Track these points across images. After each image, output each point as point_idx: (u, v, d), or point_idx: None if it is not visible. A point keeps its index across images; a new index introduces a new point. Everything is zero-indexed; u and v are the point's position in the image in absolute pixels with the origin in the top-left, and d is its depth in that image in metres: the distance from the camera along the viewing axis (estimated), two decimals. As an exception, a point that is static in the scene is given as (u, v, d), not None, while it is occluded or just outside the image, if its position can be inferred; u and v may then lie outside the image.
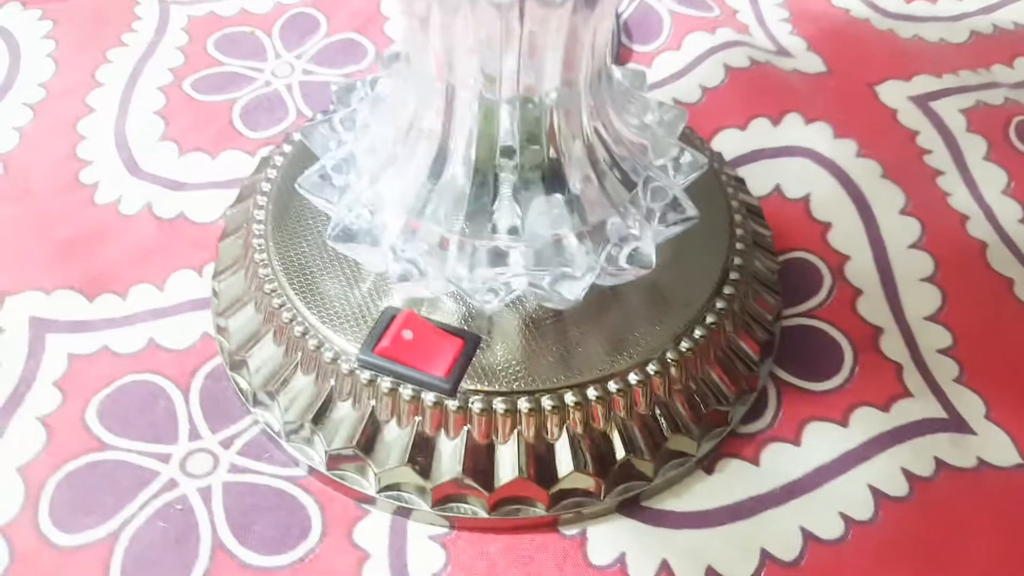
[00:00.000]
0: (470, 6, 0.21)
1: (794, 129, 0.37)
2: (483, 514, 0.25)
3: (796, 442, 0.28)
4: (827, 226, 0.34)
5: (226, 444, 0.27)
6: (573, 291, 0.25)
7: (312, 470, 0.26)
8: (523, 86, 0.24)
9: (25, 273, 0.31)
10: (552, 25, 0.22)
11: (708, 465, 0.28)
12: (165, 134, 0.36)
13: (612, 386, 0.25)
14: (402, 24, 0.24)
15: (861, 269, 0.33)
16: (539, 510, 0.25)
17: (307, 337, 0.26)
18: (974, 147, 0.38)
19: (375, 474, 0.25)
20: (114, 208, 0.33)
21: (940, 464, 0.28)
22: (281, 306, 0.26)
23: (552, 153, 0.25)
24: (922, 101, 0.40)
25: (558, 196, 0.25)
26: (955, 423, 0.29)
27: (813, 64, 0.41)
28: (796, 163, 0.36)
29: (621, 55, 0.41)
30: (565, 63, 0.23)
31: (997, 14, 0.45)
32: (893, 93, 0.40)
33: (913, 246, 0.34)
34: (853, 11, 0.44)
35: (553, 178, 0.25)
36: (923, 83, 0.40)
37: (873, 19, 0.44)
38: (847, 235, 0.34)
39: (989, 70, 0.42)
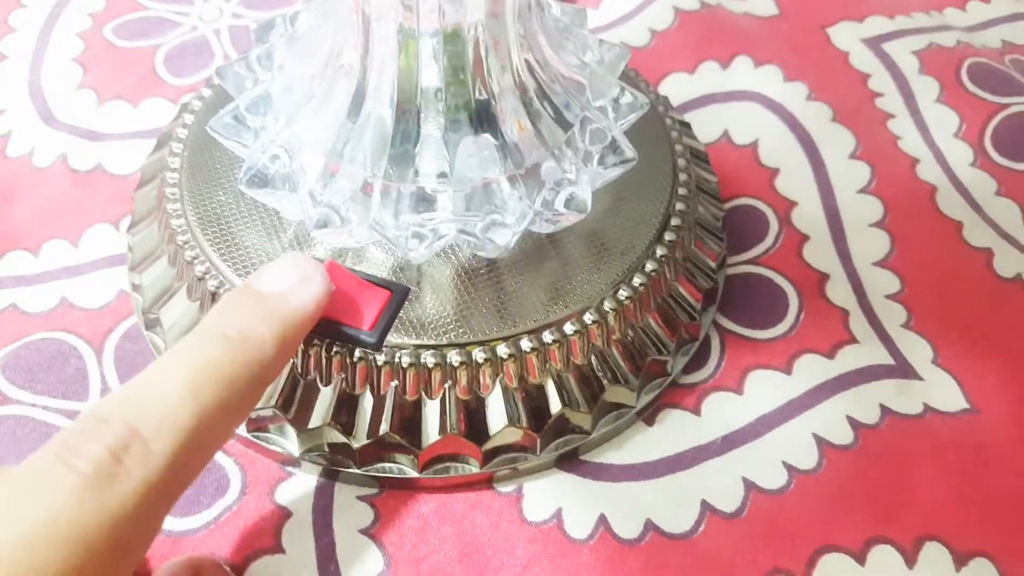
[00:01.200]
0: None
1: (743, 73, 0.36)
2: (413, 473, 0.24)
3: (739, 391, 0.27)
4: (775, 172, 0.33)
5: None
6: (505, 237, 0.23)
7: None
8: (445, 17, 0.22)
9: (-71, 229, 0.29)
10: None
11: (648, 416, 0.26)
12: (83, 82, 0.33)
13: (547, 337, 0.24)
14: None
15: (809, 215, 0.32)
16: (472, 467, 0.24)
17: (222, 292, 0.24)
18: (926, 89, 0.36)
19: (298, 435, 0.24)
20: (27, 161, 0.31)
21: (885, 411, 0.27)
22: (194, 259, 0.24)
23: (480, 92, 0.23)
24: (875, 43, 0.38)
25: (487, 137, 0.23)
26: (902, 369, 0.28)
27: (765, 6, 0.39)
28: (745, 107, 0.35)
29: (567, -3, 0.39)
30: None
31: (951, -44, 0.43)
32: (845, 35, 0.38)
33: (862, 191, 0.33)
34: (806, -47, 0.42)
35: (482, 118, 0.23)
36: (876, 24, 0.39)
37: (827, -39, 0.42)
38: (795, 181, 0.33)
39: (942, 13, 0.40)
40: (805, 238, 0.31)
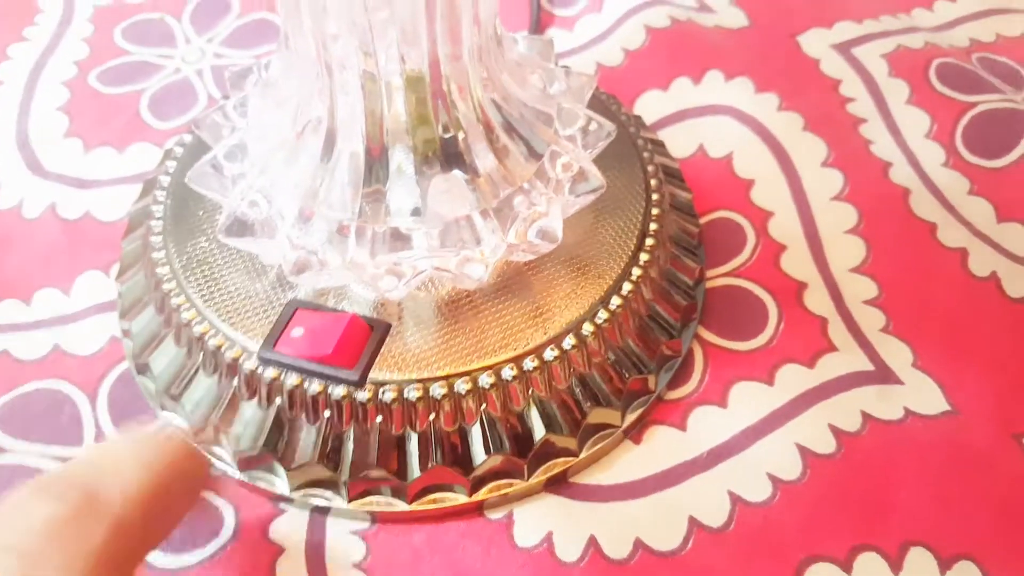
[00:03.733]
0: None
1: (715, 87, 0.36)
2: (403, 505, 0.24)
3: (723, 404, 0.27)
4: (751, 183, 0.33)
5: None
6: (480, 271, 0.23)
7: (224, 474, 0.24)
8: (407, 62, 0.22)
9: (-76, 285, 0.29)
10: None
11: (635, 435, 0.26)
12: (69, 130, 0.33)
13: (528, 364, 0.24)
14: (279, 3, 0.22)
15: (785, 225, 0.32)
16: (461, 496, 0.24)
17: (207, 337, 0.24)
18: (896, 92, 0.36)
19: (287, 473, 0.23)
20: (16, 212, 0.31)
21: (867, 417, 0.26)
22: (180, 306, 0.24)
23: (446, 131, 0.23)
24: (844, 48, 0.38)
25: (458, 174, 0.23)
26: (881, 374, 0.28)
27: (735, 18, 0.39)
28: (718, 121, 0.35)
29: (542, 20, 0.39)
30: (449, 37, 0.21)
31: (917, -43, 0.43)
32: (815, 42, 0.38)
33: (836, 198, 0.32)
34: (774, -38, 0.42)
35: (451, 156, 0.23)
36: (844, 30, 0.38)
37: (794, -31, 0.42)
38: (770, 191, 0.32)
39: (909, 15, 0.40)
40: (782, 248, 0.31)
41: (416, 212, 0.23)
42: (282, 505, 0.24)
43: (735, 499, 0.25)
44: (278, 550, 0.23)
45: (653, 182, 0.28)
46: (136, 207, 0.29)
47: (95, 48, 0.36)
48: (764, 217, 0.32)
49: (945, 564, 0.24)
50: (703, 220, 0.31)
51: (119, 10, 0.38)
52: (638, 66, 0.37)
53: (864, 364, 0.28)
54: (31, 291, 0.28)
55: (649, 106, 0.35)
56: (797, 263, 0.30)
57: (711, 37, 0.38)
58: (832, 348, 0.28)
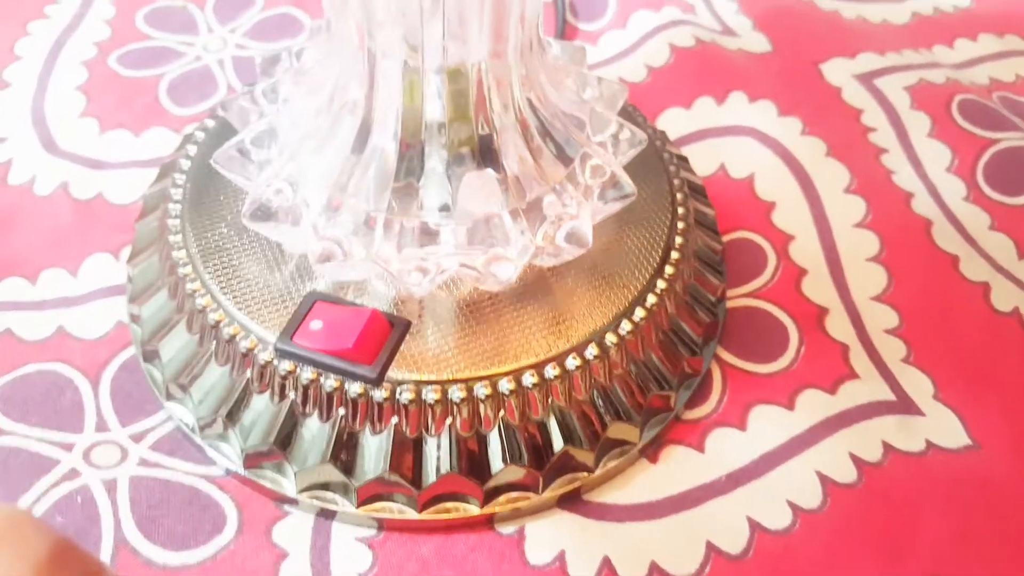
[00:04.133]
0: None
1: (738, 108, 0.35)
2: (413, 513, 0.22)
3: (742, 427, 0.26)
4: (772, 205, 0.32)
5: (137, 438, 0.24)
6: (507, 272, 0.22)
7: (229, 470, 0.23)
8: (449, 56, 0.21)
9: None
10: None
11: (652, 453, 0.25)
12: (86, 110, 0.32)
13: (550, 372, 0.23)
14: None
15: (806, 249, 0.31)
16: (473, 507, 0.23)
17: (222, 325, 0.22)
18: (918, 124, 0.35)
19: (295, 473, 0.22)
20: (28, 189, 0.29)
21: (888, 448, 0.25)
22: (195, 291, 0.23)
23: (483, 128, 0.22)
24: (867, 79, 0.37)
25: (490, 172, 0.22)
26: (903, 404, 0.27)
27: (758, 43, 0.38)
28: (741, 142, 0.34)
29: (566, 33, 0.38)
30: (493, 32, 0.21)
31: (938, -4, 0.43)
32: (838, 71, 0.37)
33: (858, 225, 0.31)
34: (798, -9, 0.41)
35: (485, 153, 0.22)
36: (867, 61, 0.38)
37: (818, 0, 0.41)
38: (792, 214, 0.32)
39: (931, 51, 0.39)
40: (803, 272, 0.30)
41: (445, 208, 0.22)
42: (287, 507, 0.23)
43: (754, 526, 0.24)
44: (282, 553, 0.22)
45: (679, 196, 0.27)
46: (152, 190, 0.27)
47: (116, 30, 0.35)
48: (785, 240, 0.31)
49: (967, 602, 0.23)
50: (725, 238, 0.31)
51: (143, -5, 0.37)
52: (661, 83, 0.36)
53: (886, 393, 0.27)
54: (37, 270, 0.27)
55: (671, 123, 0.34)
56: (818, 288, 0.30)
57: (735, 59, 0.37)
58: (854, 375, 0.27)
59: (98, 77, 0.33)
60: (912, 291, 0.30)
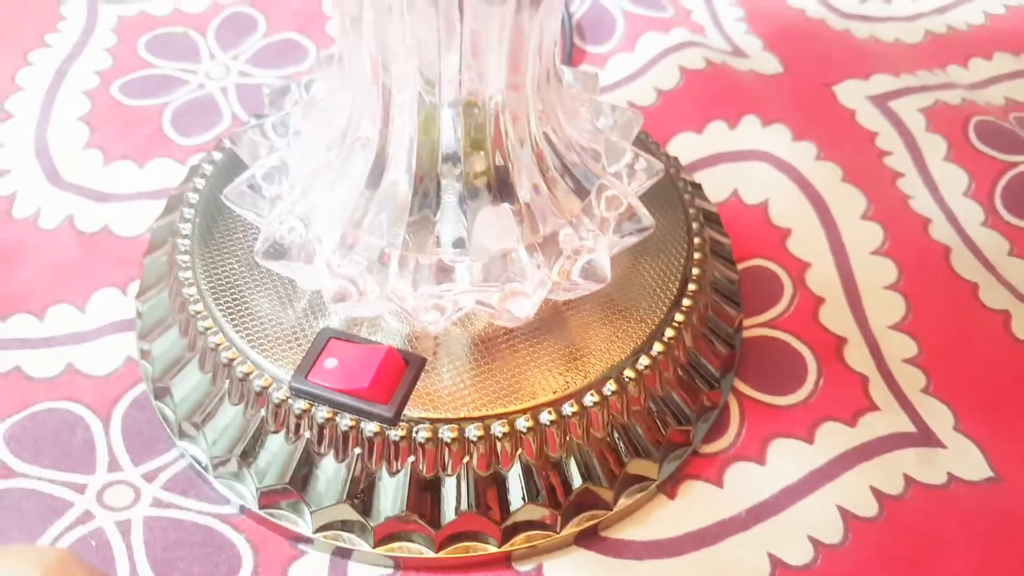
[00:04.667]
0: (406, 4, 0.19)
1: (751, 132, 0.36)
2: (430, 553, 0.23)
3: (761, 461, 0.26)
4: (787, 232, 0.33)
5: (149, 478, 0.24)
6: (524, 308, 0.23)
7: (244, 509, 0.24)
8: (465, 89, 0.21)
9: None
10: (495, 24, 0.20)
11: (670, 489, 0.26)
12: (90, 141, 0.33)
13: (567, 409, 0.23)
14: (335, 22, 0.22)
15: (823, 277, 0.31)
16: (491, 546, 0.23)
17: (235, 364, 0.23)
18: (934, 148, 0.36)
19: (311, 512, 0.23)
20: (32, 222, 0.30)
21: (909, 481, 0.26)
22: (207, 329, 0.24)
23: (499, 160, 0.23)
24: (881, 101, 0.38)
25: (506, 206, 0.23)
26: (923, 436, 0.27)
27: (769, 64, 0.39)
28: (754, 167, 0.35)
29: (574, 56, 0.39)
30: (510, 65, 0.21)
31: (950, 14, 0.44)
32: (851, 93, 0.38)
33: (875, 252, 0.32)
34: (808, 11, 0.43)
35: (501, 187, 0.23)
36: (881, 83, 0.39)
37: (828, 19, 0.42)
38: (807, 241, 0.32)
39: (945, 71, 0.40)
40: (820, 300, 0.31)
41: (459, 243, 0.23)
42: (302, 546, 0.24)
43: (775, 562, 0.24)
44: (296, 594, 0.23)
45: (695, 225, 0.28)
46: (160, 223, 0.28)
47: (118, 59, 0.36)
48: (801, 268, 0.32)
49: (992, 639, 0.23)
50: (739, 266, 0.31)
51: (143, 21, 0.38)
52: (671, 107, 0.37)
53: (906, 425, 0.27)
54: (45, 306, 0.28)
55: (683, 148, 0.35)
56: (836, 317, 0.30)
57: (746, 81, 0.38)
58: (874, 407, 0.28)
59: (101, 107, 0.34)
60: (931, 319, 0.30)
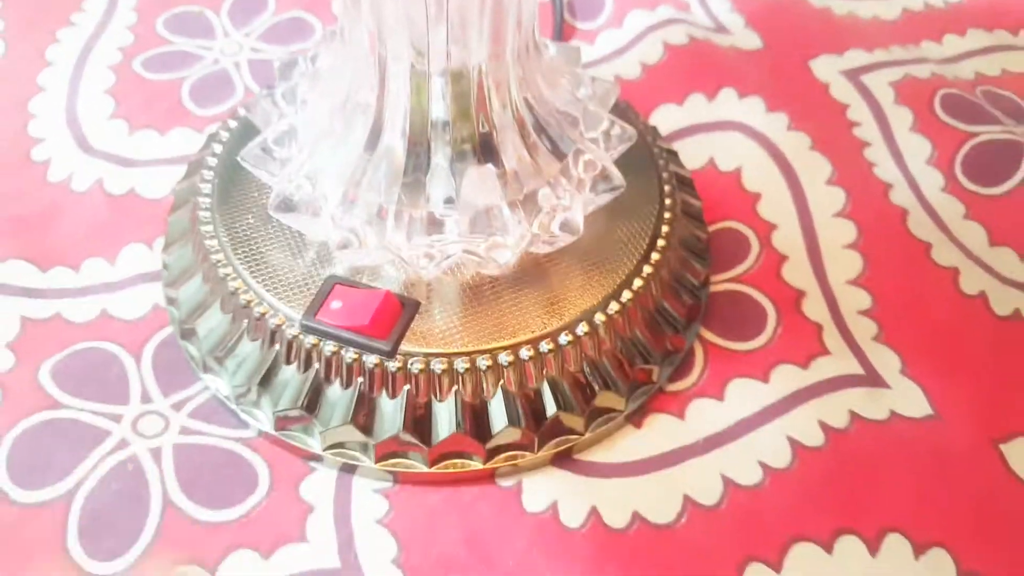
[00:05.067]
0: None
1: (728, 104, 0.39)
2: (424, 468, 0.27)
3: (720, 398, 0.30)
4: (757, 196, 0.36)
5: (177, 407, 0.29)
6: (505, 256, 0.27)
7: (261, 432, 0.28)
8: (452, 59, 0.25)
9: (-22, 247, 0.32)
10: (476, 1, 0.24)
11: (637, 420, 0.30)
12: (115, 112, 0.37)
13: (544, 346, 0.27)
14: (336, 5, 0.26)
15: (788, 237, 0.35)
16: (477, 463, 0.27)
17: (253, 305, 0.27)
18: (901, 119, 0.40)
19: (320, 433, 0.27)
20: (66, 185, 0.34)
21: (854, 416, 0.30)
22: (227, 276, 0.28)
23: (483, 126, 0.27)
24: (854, 75, 0.42)
25: (490, 167, 0.27)
26: (871, 378, 0.31)
27: (750, 40, 0.43)
28: (729, 137, 0.38)
29: (564, 32, 0.43)
30: (492, 37, 0.25)
31: (929, -8, 0.47)
32: (826, 68, 0.42)
33: (838, 214, 0.36)
34: (791, -12, 0.46)
35: (485, 149, 0.27)
36: (855, 57, 0.42)
37: (810, -3, 0.46)
38: (776, 205, 0.36)
39: (919, 46, 0.44)
40: (784, 258, 0.34)
41: (449, 201, 0.27)
42: (312, 464, 0.28)
43: (727, 481, 0.28)
44: (308, 508, 0.27)
45: (667, 188, 0.32)
46: (182, 185, 0.32)
47: (139, 36, 0.40)
48: (769, 229, 0.35)
49: (919, 549, 0.27)
50: (711, 229, 0.35)
51: (162, 1, 0.42)
52: (655, 80, 0.41)
53: (855, 368, 0.31)
54: (80, 260, 0.32)
55: (664, 119, 0.39)
56: (797, 273, 0.34)
57: (726, 56, 0.42)
58: (826, 352, 0.32)
59: (124, 81, 0.38)
60: (886, 276, 0.34)
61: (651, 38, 0.42)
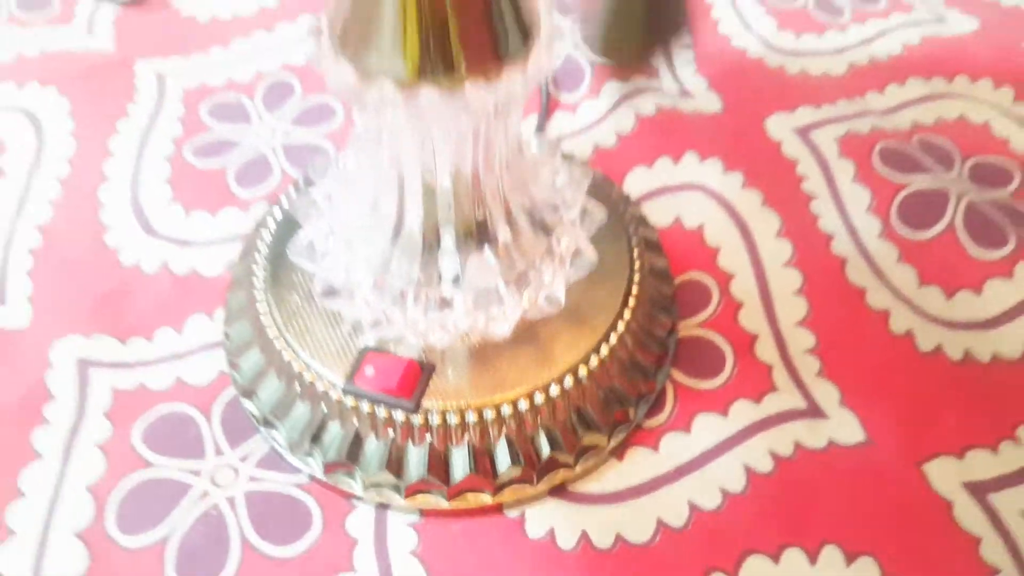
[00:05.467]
0: (413, 139, 0.28)
1: (691, 166, 0.44)
2: (445, 504, 0.32)
3: (688, 431, 0.35)
4: (717, 250, 0.41)
5: (244, 459, 0.34)
6: (504, 328, 0.32)
7: (312, 477, 0.33)
8: (454, 170, 0.30)
9: (69, 324, 0.37)
10: (470, 137, 0.29)
11: (619, 453, 0.35)
12: (172, 197, 0.42)
13: (538, 398, 0.32)
14: (360, 131, 0.31)
15: (744, 286, 0.40)
16: (487, 497, 0.33)
17: (303, 373, 0.32)
18: (844, 171, 0.44)
19: (361, 477, 0.32)
20: (137, 269, 0.39)
21: (798, 445, 0.35)
22: (281, 349, 0.33)
23: (480, 215, 0.32)
24: (803, 132, 0.46)
25: (490, 254, 0.32)
26: (812, 411, 0.36)
27: (711, 103, 0.47)
28: (692, 196, 0.43)
29: (550, 104, 0.48)
30: (485, 155, 0.30)
31: (875, 45, 0.51)
32: (779, 126, 0.46)
33: (786, 264, 0.41)
34: (750, 51, 0.51)
35: (482, 234, 0.32)
36: (805, 114, 0.47)
37: (767, 57, 0.50)
38: (733, 257, 0.41)
39: (863, 97, 0.48)
40: (740, 305, 0.39)
41: (456, 279, 0.32)
42: (354, 502, 0.33)
43: (692, 506, 0.33)
44: (353, 542, 0.32)
45: (636, 251, 0.37)
46: (238, 268, 0.37)
47: (187, 125, 0.45)
48: (727, 279, 0.40)
49: (851, 557, 0.32)
50: (679, 279, 0.40)
51: (203, 91, 0.47)
52: (628, 148, 0.46)
53: (799, 403, 0.36)
54: (152, 331, 0.37)
55: (636, 181, 0.44)
56: (752, 318, 0.39)
57: (690, 122, 0.47)
58: (775, 389, 0.37)
59: (178, 168, 0.43)
60: (827, 318, 0.39)
61: (623, 109, 0.47)
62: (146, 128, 0.45)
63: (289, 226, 0.35)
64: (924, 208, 0.43)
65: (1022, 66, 0.51)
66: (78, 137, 0.45)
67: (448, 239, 0.32)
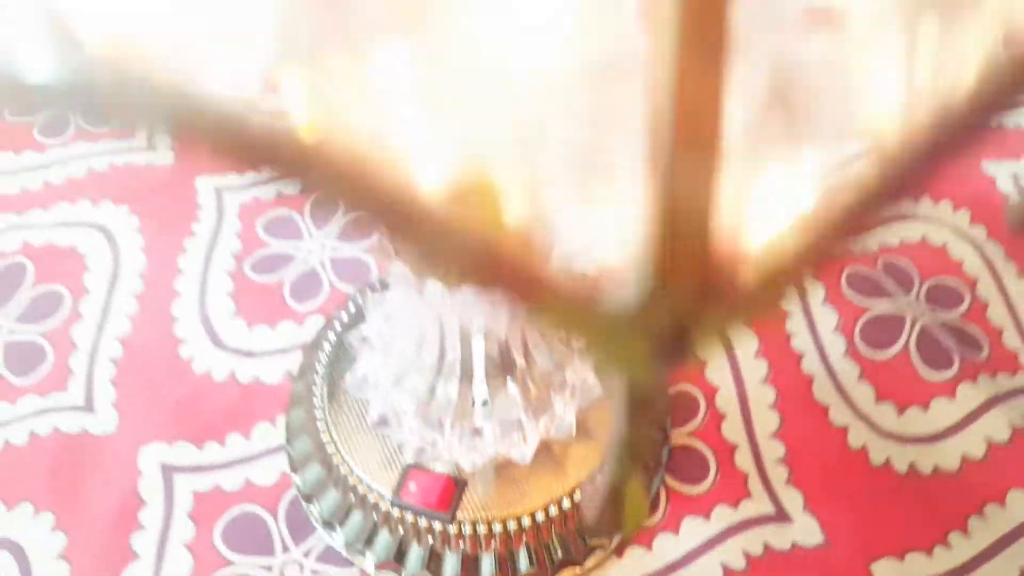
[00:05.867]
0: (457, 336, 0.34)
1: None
2: (475, 598, 0.38)
3: (676, 532, 0.42)
4: (704, 364, 0.48)
5: (307, 554, 0.40)
6: (525, 454, 0.38)
7: (364, 572, 0.39)
8: (485, 327, 0.37)
9: (152, 430, 0.43)
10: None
11: (620, 551, 0.41)
12: (236, 312, 0.48)
13: (552, 510, 0.39)
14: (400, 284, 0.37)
15: (727, 398, 0.46)
16: (510, 593, 0.39)
17: (356, 486, 0.38)
18: (815, 294, 0.51)
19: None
20: (207, 377, 0.46)
21: (767, 547, 0.41)
22: (338, 464, 0.39)
23: (506, 356, 0.38)
24: (781, 254, 0.53)
25: (513, 387, 0.38)
26: (780, 516, 0.42)
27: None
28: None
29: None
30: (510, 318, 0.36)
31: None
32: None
33: (763, 381, 0.47)
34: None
35: (506, 364, 0.38)
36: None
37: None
38: (718, 371, 0.47)
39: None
40: (723, 416, 0.46)
41: (486, 403, 0.38)
42: (399, 594, 0.39)
43: (679, 599, 0.40)
44: (397, 625, 0.38)
45: (637, 378, 0.43)
46: (298, 384, 0.44)
47: (245, 241, 0.51)
48: (713, 391, 0.47)
49: (807, 645, 0.39)
50: (673, 390, 0.46)
51: (258, 206, 0.53)
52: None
53: (769, 508, 0.43)
54: (224, 435, 0.43)
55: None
56: (732, 429, 0.45)
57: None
58: (749, 495, 0.43)
59: (239, 283, 0.49)
60: (796, 430, 0.45)
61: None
62: (210, 244, 0.51)
63: (340, 354, 0.42)
64: (883, 331, 0.50)
65: (980, 188, 0.57)
66: (147, 252, 0.51)
67: (479, 370, 0.38)
